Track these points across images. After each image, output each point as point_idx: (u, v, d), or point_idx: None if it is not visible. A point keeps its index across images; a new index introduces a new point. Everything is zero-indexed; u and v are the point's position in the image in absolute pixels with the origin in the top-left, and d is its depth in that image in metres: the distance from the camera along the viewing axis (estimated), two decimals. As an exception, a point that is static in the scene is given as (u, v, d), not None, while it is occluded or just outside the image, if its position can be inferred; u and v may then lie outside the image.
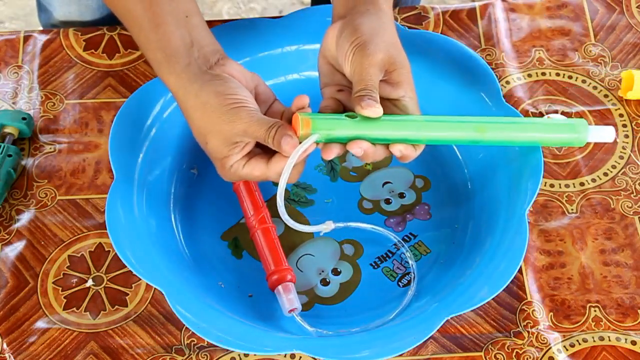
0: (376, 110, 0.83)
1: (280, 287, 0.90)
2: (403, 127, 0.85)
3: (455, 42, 1.01)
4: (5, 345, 0.90)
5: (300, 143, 0.83)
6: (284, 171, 0.83)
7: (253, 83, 0.89)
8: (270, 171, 0.85)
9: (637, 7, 1.11)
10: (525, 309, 0.92)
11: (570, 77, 1.06)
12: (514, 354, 0.89)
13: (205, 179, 1.00)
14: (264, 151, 0.86)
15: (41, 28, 1.22)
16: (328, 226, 0.91)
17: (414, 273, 0.93)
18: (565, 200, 0.98)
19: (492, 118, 0.91)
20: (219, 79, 0.85)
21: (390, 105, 0.87)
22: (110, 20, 1.14)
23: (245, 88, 0.87)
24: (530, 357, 0.89)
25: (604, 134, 0.92)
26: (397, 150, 0.86)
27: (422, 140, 0.87)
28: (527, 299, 0.93)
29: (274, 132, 0.82)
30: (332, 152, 0.85)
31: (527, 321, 0.91)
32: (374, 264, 0.95)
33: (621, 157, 1.01)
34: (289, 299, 0.90)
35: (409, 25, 1.09)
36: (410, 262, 0.94)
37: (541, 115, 1.03)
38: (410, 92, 0.87)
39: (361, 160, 0.88)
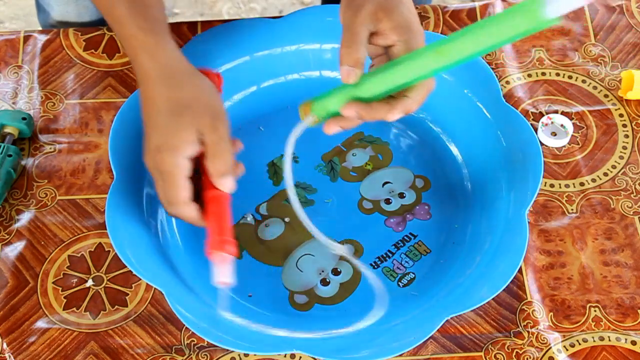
0: (350, 77, 0.82)
1: (218, 254, 0.85)
2: (381, 80, 0.82)
3: (455, 42, 1.01)
4: (5, 345, 0.90)
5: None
6: (285, 158, 0.84)
7: None
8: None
9: (637, 7, 1.11)
10: (525, 309, 0.92)
11: (570, 77, 1.06)
12: (514, 354, 0.89)
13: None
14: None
15: (41, 28, 1.22)
16: (339, 249, 0.91)
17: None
18: (565, 200, 0.98)
19: (449, 36, 0.80)
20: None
21: (387, 54, 0.85)
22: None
23: None
24: (530, 357, 0.89)
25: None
26: (397, 114, 0.83)
27: (403, 85, 0.82)
28: (527, 299, 0.93)
29: (222, 161, 0.84)
30: (330, 127, 0.84)
31: (527, 321, 0.91)
32: (374, 264, 0.95)
33: (621, 157, 1.01)
34: (223, 270, 0.85)
35: (409, 25, 1.09)
36: (408, 260, 0.94)
37: (541, 115, 1.03)
38: (404, 36, 0.83)
39: (365, 121, 0.85)
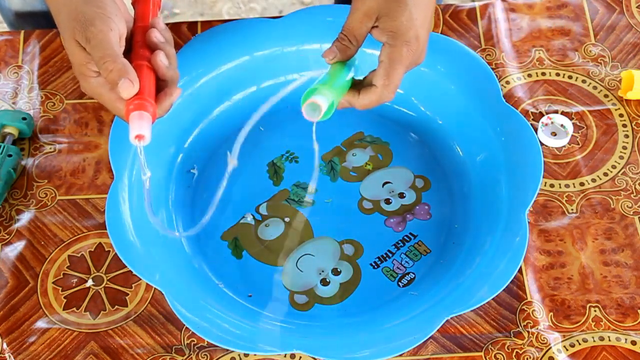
0: (329, 56, 0.86)
1: (136, 113, 0.80)
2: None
3: (456, 42, 1.01)
4: (5, 345, 0.90)
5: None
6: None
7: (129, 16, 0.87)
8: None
9: (637, 7, 1.11)
10: (525, 309, 0.92)
11: (570, 77, 1.06)
12: (514, 354, 0.89)
13: (205, 179, 1.00)
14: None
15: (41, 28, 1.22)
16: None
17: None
18: (565, 200, 0.98)
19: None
20: None
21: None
22: None
23: (120, 11, 0.85)
24: (530, 357, 0.89)
25: None
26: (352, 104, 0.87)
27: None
28: (527, 299, 0.93)
29: (111, 68, 0.80)
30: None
31: (527, 321, 0.91)
32: (374, 264, 0.95)
33: (621, 157, 1.01)
34: (139, 124, 0.80)
35: (409, 25, 1.09)
36: (408, 260, 0.94)
37: (541, 115, 1.03)
38: (390, 41, 0.85)
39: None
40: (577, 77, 1.06)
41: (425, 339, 0.85)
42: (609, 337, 0.91)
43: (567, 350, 0.90)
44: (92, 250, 0.96)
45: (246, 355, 0.90)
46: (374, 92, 0.85)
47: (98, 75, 0.82)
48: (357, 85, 0.86)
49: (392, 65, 0.84)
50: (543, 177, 0.94)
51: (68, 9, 0.83)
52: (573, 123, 1.03)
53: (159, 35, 0.85)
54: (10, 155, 0.98)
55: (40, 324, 0.92)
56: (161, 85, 0.84)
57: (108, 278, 0.94)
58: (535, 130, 1.01)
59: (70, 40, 0.82)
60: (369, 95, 0.85)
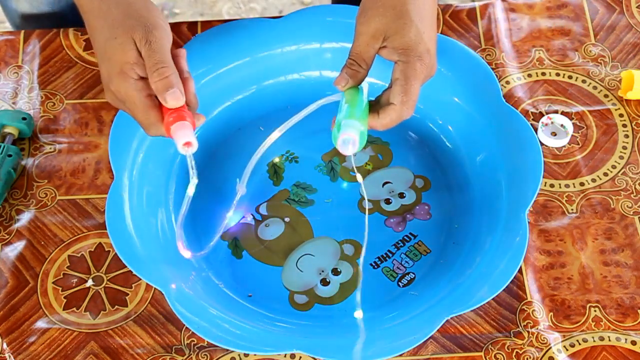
0: (340, 83, 0.85)
1: (178, 124, 0.82)
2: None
3: (456, 42, 1.01)
4: (5, 345, 0.90)
5: None
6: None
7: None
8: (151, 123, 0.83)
9: (637, 7, 1.11)
10: (525, 309, 0.92)
11: (570, 77, 1.06)
12: (514, 354, 0.89)
13: (205, 179, 1.00)
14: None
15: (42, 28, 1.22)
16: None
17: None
18: (565, 200, 0.98)
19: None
20: None
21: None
22: (66, 14, 1.14)
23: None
24: (530, 357, 0.89)
25: None
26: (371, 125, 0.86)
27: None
28: (527, 299, 0.93)
29: (166, 74, 0.80)
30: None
31: (527, 321, 0.91)
32: (374, 264, 0.95)
33: (621, 157, 1.01)
34: (184, 134, 0.81)
35: (409, 25, 1.09)
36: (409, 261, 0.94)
37: (541, 115, 1.03)
38: (402, 57, 0.84)
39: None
40: (577, 77, 1.06)
41: (425, 339, 0.85)
42: (609, 337, 0.91)
43: (567, 350, 0.90)
44: (92, 250, 0.96)
45: (246, 355, 0.90)
46: (393, 110, 0.84)
47: (139, 79, 0.82)
48: (374, 107, 0.86)
49: (408, 82, 0.84)
50: (543, 177, 0.94)
51: (124, 8, 0.83)
52: (573, 123, 1.03)
53: (186, 64, 0.86)
54: (10, 155, 0.98)
55: (40, 324, 0.92)
56: None
57: (108, 278, 0.94)
58: (535, 130, 1.01)
59: (126, 37, 0.82)
60: (389, 115, 0.84)
